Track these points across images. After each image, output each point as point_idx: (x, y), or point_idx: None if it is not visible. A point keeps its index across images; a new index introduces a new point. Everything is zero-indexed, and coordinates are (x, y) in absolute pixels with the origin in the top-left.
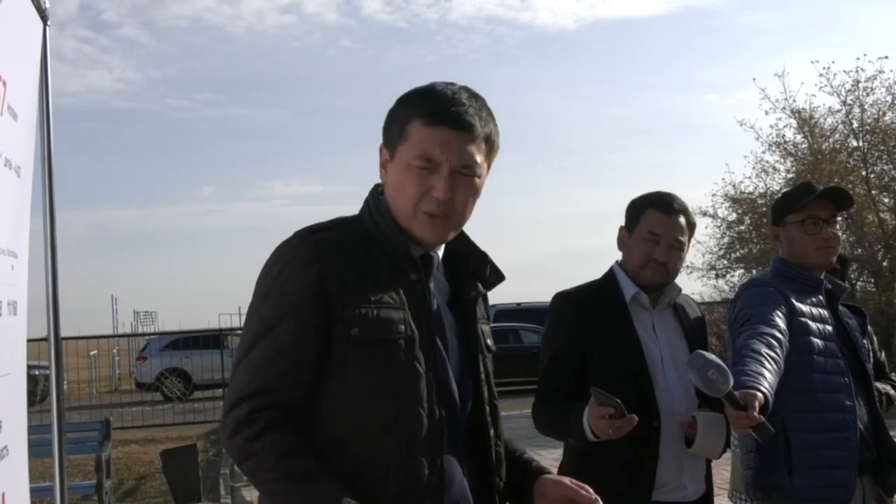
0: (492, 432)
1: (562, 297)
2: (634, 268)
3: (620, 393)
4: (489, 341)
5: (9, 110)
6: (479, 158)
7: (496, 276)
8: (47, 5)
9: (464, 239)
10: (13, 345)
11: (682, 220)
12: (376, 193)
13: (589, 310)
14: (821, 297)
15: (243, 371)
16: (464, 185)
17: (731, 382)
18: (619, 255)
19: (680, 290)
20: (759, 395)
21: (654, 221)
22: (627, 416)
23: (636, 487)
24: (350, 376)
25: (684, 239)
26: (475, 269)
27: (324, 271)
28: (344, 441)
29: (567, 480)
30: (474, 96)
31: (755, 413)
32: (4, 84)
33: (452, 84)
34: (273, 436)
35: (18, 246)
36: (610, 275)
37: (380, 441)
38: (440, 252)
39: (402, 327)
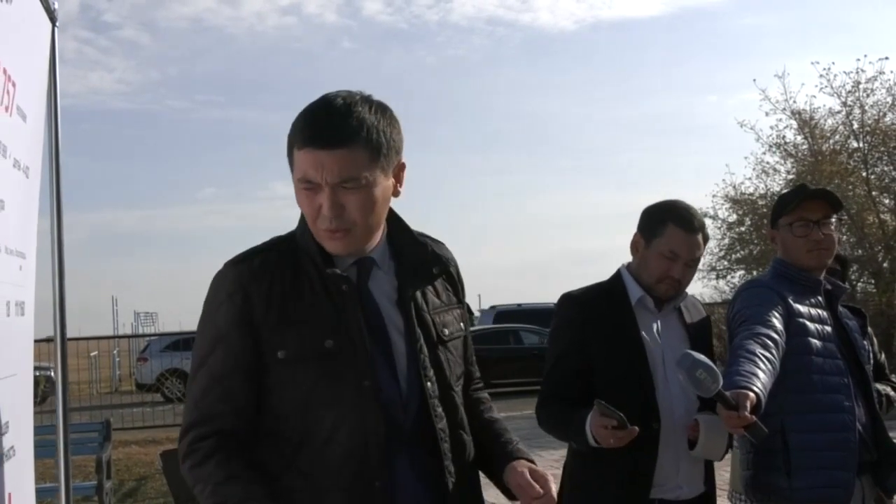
0: (441, 425)
1: (568, 299)
2: (650, 281)
3: (622, 394)
4: (447, 331)
5: (18, 111)
6: (359, 169)
7: (439, 265)
8: (56, 6)
9: (404, 232)
10: (20, 345)
11: (700, 237)
12: None
13: (594, 312)
14: (820, 298)
15: (188, 402)
16: (353, 197)
17: (721, 382)
18: (622, 258)
19: (686, 294)
20: (751, 394)
21: (676, 240)
22: (629, 427)
23: (635, 488)
24: (287, 394)
25: (700, 256)
26: (418, 261)
27: (248, 299)
28: (292, 457)
29: (526, 471)
30: (352, 104)
31: (746, 413)
32: (14, 85)
33: (333, 96)
34: (212, 463)
35: (26, 246)
36: (617, 277)
37: (323, 453)
38: (379, 252)
39: (330, 342)
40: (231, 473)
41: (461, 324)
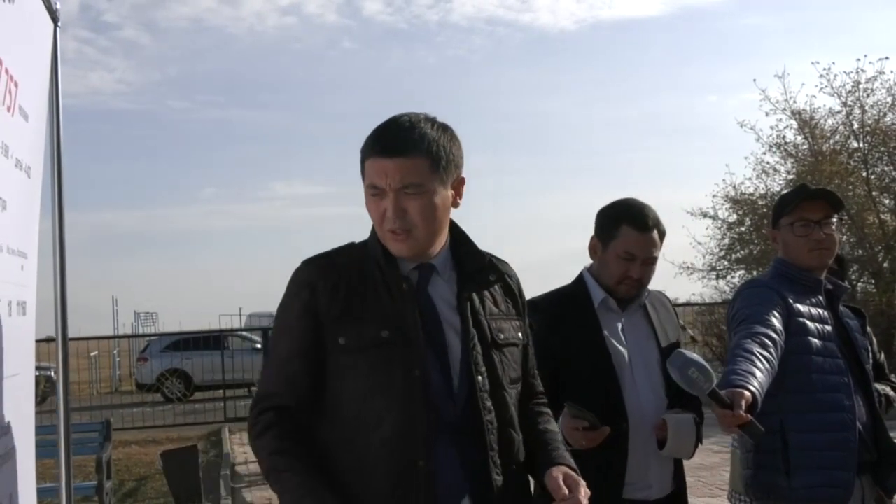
0: (488, 417)
1: (529, 306)
2: (610, 283)
3: (589, 396)
4: (502, 336)
5: (20, 111)
6: (419, 177)
7: (495, 274)
8: (58, 6)
9: (466, 243)
10: (22, 345)
11: (655, 234)
12: None
13: (557, 316)
14: (820, 298)
15: (258, 381)
16: (414, 202)
17: (714, 381)
18: None
19: (649, 290)
20: (747, 393)
21: (630, 240)
22: (600, 428)
23: (606, 487)
24: (345, 380)
25: (658, 253)
26: (476, 269)
27: (314, 293)
28: (346, 437)
29: (560, 475)
30: (416, 121)
31: (741, 411)
32: (16, 85)
33: (400, 115)
34: (268, 436)
35: (28, 246)
36: (579, 281)
37: (373, 436)
38: (440, 260)
39: (387, 333)
40: (282, 447)
41: (519, 334)
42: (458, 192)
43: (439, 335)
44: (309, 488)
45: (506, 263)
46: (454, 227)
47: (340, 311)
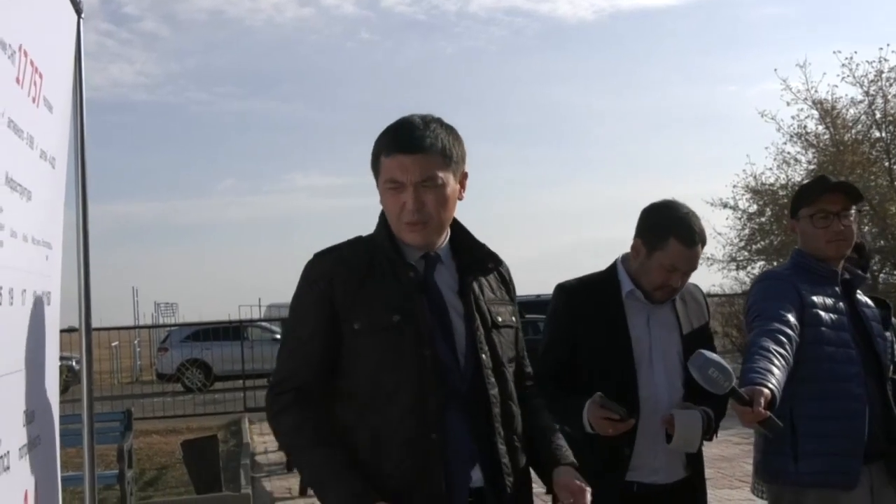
0: (493, 392)
1: (560, 289)
2: (649, 287)
3: (603, 382)
4: (500, 319)
5: (45, 102)
6: (436, 171)
7: (494, 262)
8: None
9: (465, 234)
10: (47, 335)
11: (699, 247)
12: (383, 214)
13: (583, 302)
14: (837, 289)
15: (277, 363)
16: (431, 194)
17: (734, 379)
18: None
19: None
20: (766, 391)
21: (676, 254)
22: (627, 420)
23: (611, 470)
24: (360, 360)
25: (698, 264)
26: (475, 258)
27: (330, 284)
28: (361, 415)
29: (566, 481)
30: (428, 122)
31: (760, 408)
32: (41, 76)
33: (412, 117)
34: (290, 413)
35: (53, 237)
36: (612, 269)
37: (386, 409)
38: (444, 250)
39: (398, 317)
40: (303, 423)
41: (513, 318)
42: (462, 185)
43: (445, 318)
44: (328, 464)
45: (497, 255)
46: (453, 220)
47: (354, 300)
